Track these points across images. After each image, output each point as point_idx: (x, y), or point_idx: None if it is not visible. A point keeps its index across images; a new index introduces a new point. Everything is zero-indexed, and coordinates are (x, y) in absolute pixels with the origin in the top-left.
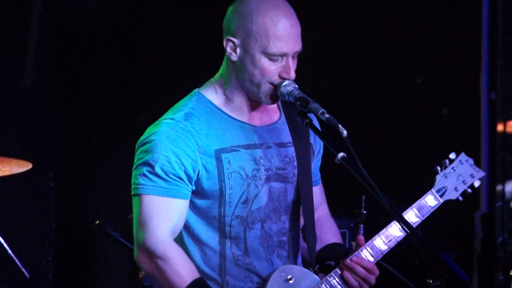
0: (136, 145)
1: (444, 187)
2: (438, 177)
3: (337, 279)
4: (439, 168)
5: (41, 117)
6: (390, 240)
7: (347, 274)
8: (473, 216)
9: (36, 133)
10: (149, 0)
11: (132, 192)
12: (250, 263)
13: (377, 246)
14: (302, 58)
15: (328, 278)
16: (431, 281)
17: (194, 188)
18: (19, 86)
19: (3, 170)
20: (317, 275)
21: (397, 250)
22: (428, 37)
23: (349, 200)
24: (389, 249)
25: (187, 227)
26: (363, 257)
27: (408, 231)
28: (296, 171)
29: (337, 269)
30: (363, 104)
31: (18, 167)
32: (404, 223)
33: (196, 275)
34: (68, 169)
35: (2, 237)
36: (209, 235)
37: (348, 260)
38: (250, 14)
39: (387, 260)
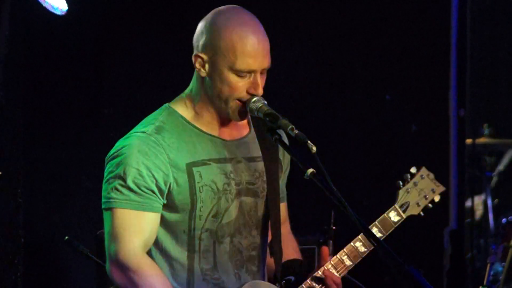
0: (106, 158)
1: (406, 202)
2: (400, 192)
3: None
4: (401, 183)
5: (9, 133)
6: (355, 255)
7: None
8: (442, 232)
9: (4, 149)
10: (117, 16)
11: (103, 206)
12: (218, 277)
13: (342, 262)
14: (270, 73)
15: None
16: None
17: (165, 202)
18: None
19: None
20: None
21: (367, 266)
22: (397, 54)
23: (318, 216)
24: (353, 265)
25: (155, 241)
26: (333, 272)
27: (377, 246)
28: (265, 186)
29: (303, 285)
30: (331, 120)
31: None
32: (373, 238)
33: (170, 287)
34: (37, 185)
35: None
36: (177, 250)
37: (325, 271)
38: (218, 31)
39: (357, 275)
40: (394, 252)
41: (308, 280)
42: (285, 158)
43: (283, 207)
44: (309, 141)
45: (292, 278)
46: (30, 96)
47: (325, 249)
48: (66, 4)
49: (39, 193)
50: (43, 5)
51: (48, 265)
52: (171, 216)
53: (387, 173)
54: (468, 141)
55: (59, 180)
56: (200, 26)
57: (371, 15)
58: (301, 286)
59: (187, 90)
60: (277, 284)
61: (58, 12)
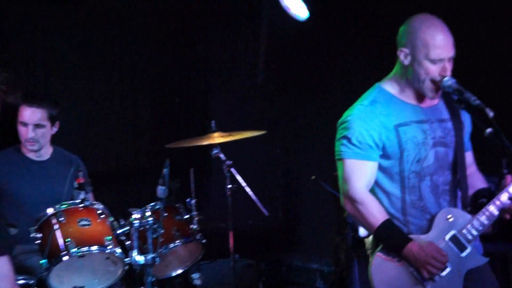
0: (337, 124)
1: None
2: None
3: (484, 216)
4: None
5: (272, 105)
6: None
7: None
8: None
9: (266, 115)
10: (342, 22)
11: (336, 157)
12: (424, 205)
13: None
14: (455, 60)
15: (477, 216)
16: None
17: (381, 153)
18: (255, 84)
19: (245, 134)
20: (470, 214)
21: None
22: None
23: (494, 162)
24: None
25: (377, 183)
26: None
27: None
28: (454, 139)
29: (483, 209)
30: (499, 94)
31: (255, 132)
32: None
33: (386, 216)
34: (291, 138)
35: (249, 187)
36: (393, 186)
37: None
38: (415, 32)
39: None
40: None
41: (491, 204)
42: (466, 121)
43: (470, 154)
44: (487, 108)
45: (485, 200)
46: (286, 78)
47: (509, 178)
48: (307, 12)
49: (293, 145)
50: (288, 12)
51: (299, 197)
52: (387, 163)
53: None
54: None
55: (306, 136)
56: (402, 29)
57: None
58: (482, 209)
59: (391, 73)
60: (464, 210)
61: (300, 18)
